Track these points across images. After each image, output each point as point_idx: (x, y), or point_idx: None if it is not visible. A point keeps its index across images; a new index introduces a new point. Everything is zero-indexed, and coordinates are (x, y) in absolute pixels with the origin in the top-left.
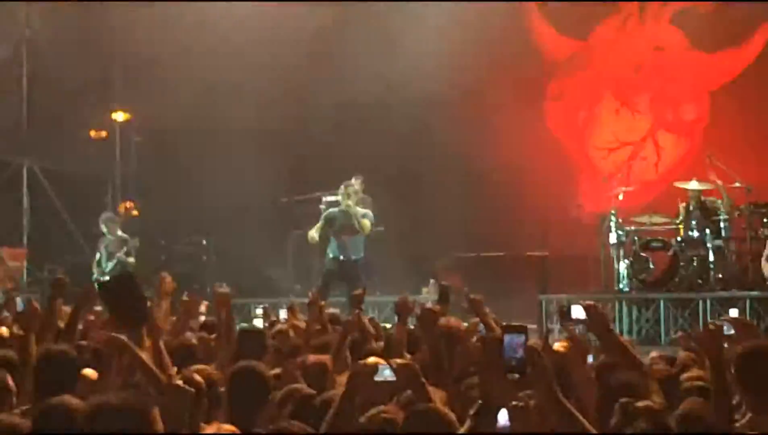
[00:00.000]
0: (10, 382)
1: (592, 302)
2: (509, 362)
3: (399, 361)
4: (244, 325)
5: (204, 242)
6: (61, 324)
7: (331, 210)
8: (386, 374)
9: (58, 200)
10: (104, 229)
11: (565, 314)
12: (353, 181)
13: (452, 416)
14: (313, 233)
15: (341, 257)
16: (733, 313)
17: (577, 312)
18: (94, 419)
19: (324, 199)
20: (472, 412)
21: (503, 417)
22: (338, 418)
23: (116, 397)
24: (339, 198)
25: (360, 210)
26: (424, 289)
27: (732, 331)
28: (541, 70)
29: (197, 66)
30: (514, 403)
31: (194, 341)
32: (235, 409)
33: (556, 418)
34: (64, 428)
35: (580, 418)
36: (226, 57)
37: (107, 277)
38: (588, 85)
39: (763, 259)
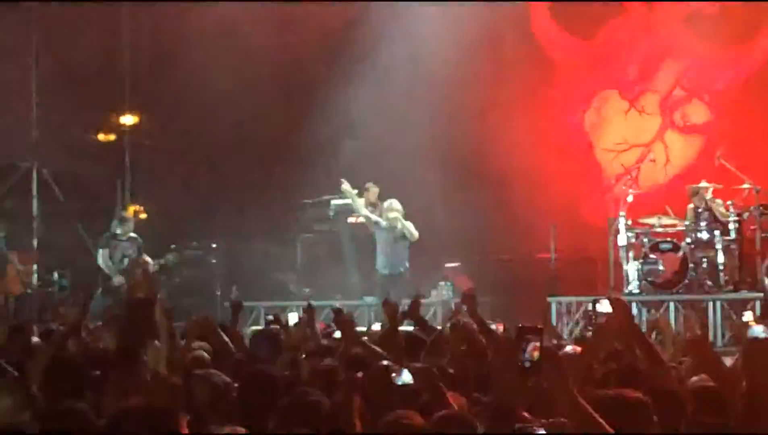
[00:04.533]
0: None
1: (618, 295)
2: (524, 364)
3: (418, 365)
4: (256, 327)
5: (213, 246)
6: None
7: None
8: (405, 378)
9: (67, 203)
10: (118, 230)
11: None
12: (371, 188)
13: (475, 422)
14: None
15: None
16: (748, 315)
17: (604, 307)
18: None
19: (333, 202)
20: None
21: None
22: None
23: (143, 401)
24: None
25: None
26: (434, 292)
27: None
28: (548, 70)
29: (206, 70)
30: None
31: None
32: (246, 413)
33: (574, 419)
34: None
35: (598, 418)
36: (236, 61)
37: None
38: (596, 86)
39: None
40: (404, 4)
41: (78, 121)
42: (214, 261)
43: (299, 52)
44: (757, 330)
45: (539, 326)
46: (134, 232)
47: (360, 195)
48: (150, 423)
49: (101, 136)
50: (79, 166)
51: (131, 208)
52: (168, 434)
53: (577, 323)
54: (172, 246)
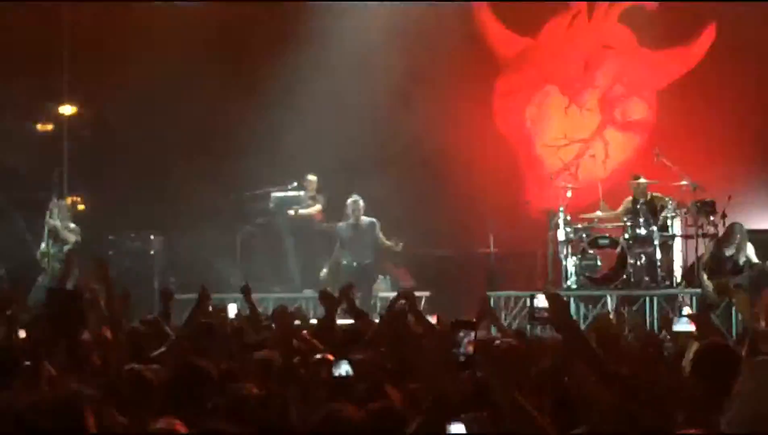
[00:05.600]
0: None
1: (555, 291)
2: (458, 357)
3: (358, 356)
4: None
5: (152, 237)
6: None
7: None
8: (344, 369)
9: (4, 194)
10: (53, 213)
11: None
12: (310, 178)
13: (408, 414)
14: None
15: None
16: (687, 310)
17: (542, 301)
18: (27, 416)
19: (273, 194)
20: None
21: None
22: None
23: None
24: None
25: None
26: (374, 286)
27: None
28: (490, 66)
29: (148, 60)
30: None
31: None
32: (178, 406)
33: (510, 414)
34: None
35: (535, 414)
36: (177, 52)
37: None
38: (537, 82)
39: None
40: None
41: (15, 111)
42: (152, 252)
43: (242, 43)
44: (682, 322)
45: (474, 320)
46: (72, 222)
47: (300, 186)
48: (53, 416)
49: (39, 126)
50: (16, 156)
51: (69, 199)
52: (72, 427)
53: (515, 318)
54: (110, 237)
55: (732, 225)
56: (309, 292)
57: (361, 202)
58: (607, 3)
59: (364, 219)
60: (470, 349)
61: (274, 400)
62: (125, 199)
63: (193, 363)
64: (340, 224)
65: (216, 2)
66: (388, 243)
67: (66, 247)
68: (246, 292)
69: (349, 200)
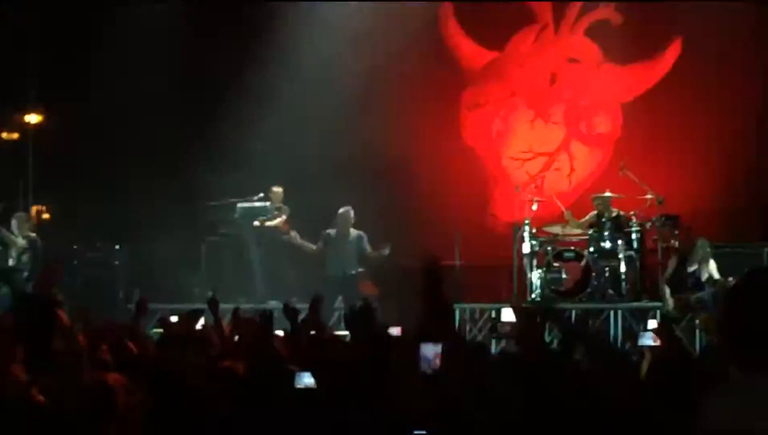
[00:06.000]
0: None
1: (523, 305)
2: (425, 371)
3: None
4: (159, 330)
5: (117, 247)
6: None
7: None
8: (307, 381)
9: None
10: (14, 227)
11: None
12: (275, 189)
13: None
14: None
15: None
16: (652, 323)
17: (507, 315)
18: None
19: (239, 205)
20: None
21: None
22: None
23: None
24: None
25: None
26: (339, 297)
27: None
28: (457, 79)
29: (113, 70)
30: None
31: None
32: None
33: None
34: None
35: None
36: (142, 61)
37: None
38: (503, 95)
39: (661, 280)
40: (313, 5)
41: None
42: (117, 263)
43: (206, 53)
44: (647, 337)
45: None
46: (35, 232)
47: (266, 197)
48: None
49: (4, 135)
50: None
51: (34, 208)
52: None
53: (480, 330)
54: (75, 247)
55: (695, 240)
56: (274, 303)
57: (352, 214)
58: (574, 17)
59: (353, 231)
60: (437, 362)
61: (237, 411)
62: (90, 208)
63: (161, 374)
64: (330, 231)
65: (180, 11)
66: (375, 253)
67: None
68: (212, 304)
69: (341, 210)
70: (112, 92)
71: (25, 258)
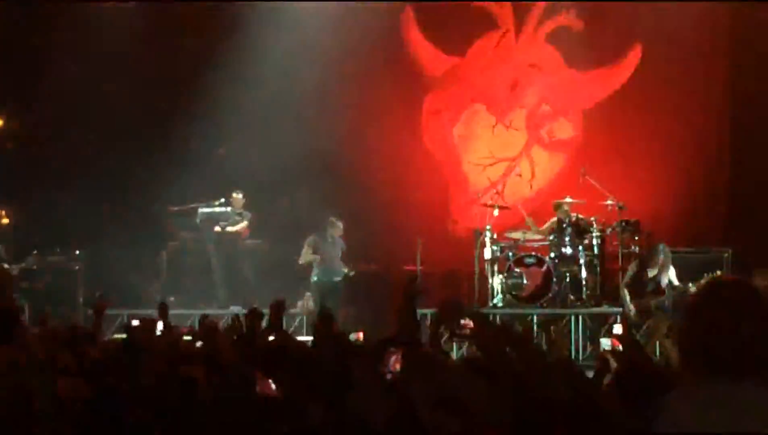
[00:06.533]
0: None
1: (480, 311)
2: (385, 376)
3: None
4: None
5: (77, 252)
6: None
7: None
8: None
9: None
10: None
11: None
12: (235, 195)
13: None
14: None
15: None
16: (617, 328)
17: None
18: None
19: (200, 210)
20: None
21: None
22: None
23: None
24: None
25: None
26: (299, 302)
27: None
28: (418, 84)
29: (72, 72)
30: None
31: None
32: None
33: None
34: None
35: None
36: (103, 66)
37: None
38: (464, 100)
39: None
40: (277, 6)
41: None
42: (77, 267)
43: (165, 55)
44: (606, 343)
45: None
46: None
47: (227, 202)
48: None
49: None
50: None
51: None
52: None
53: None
54: (34, 251)
55: (656, 246)
56: (235, 309)
57: (341, 225)
58: (535, 23)
59: (339, 240)
60: (397, 366)
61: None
62: (50, 213)
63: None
64: (317, 238)
65: (142, 10)
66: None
67: None
68: (162, 310)
69: (331, 219)
70: (70, 94)
71: None
